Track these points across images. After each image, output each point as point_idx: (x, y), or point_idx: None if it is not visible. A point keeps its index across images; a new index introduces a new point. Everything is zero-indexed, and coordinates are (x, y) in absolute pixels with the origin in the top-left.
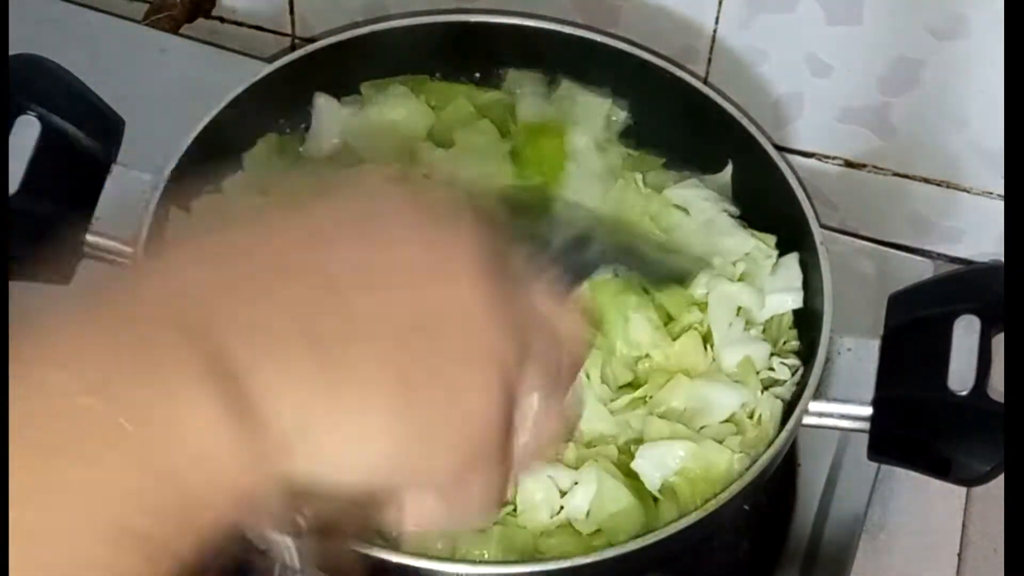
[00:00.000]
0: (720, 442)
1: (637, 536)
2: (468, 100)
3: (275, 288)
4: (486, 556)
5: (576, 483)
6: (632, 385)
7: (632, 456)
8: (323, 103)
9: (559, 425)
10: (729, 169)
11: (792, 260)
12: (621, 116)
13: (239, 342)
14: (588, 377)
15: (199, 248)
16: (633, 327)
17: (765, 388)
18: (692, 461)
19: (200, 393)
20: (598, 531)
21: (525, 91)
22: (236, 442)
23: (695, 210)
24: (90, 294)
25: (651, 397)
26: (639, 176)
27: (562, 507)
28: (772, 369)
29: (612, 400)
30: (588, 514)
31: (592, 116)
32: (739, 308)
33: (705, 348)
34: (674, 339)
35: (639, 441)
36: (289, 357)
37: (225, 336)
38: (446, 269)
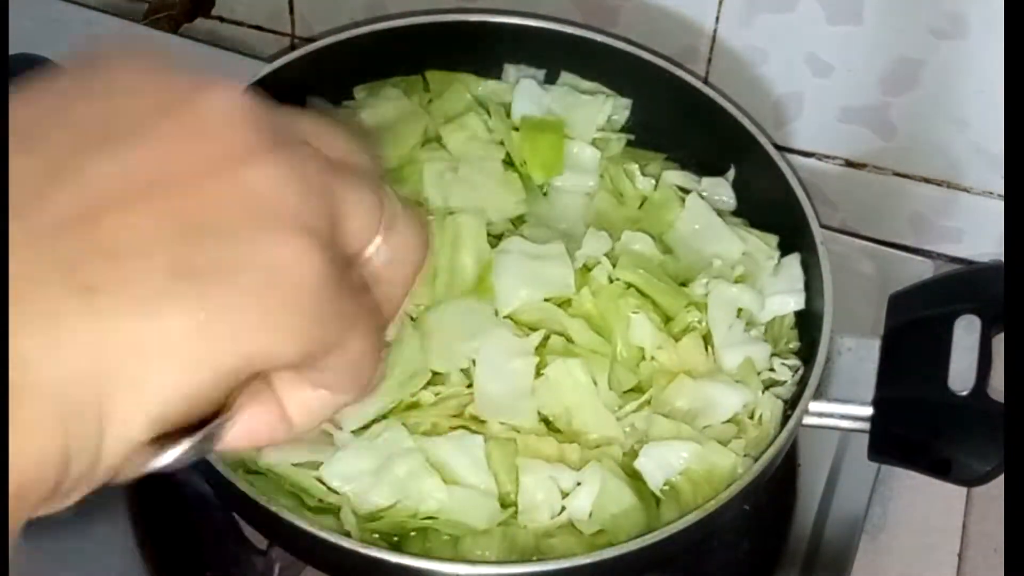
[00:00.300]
0: (723, 443)
1: (638, 536)
2: (465, 88)
3: (16, 226)
4: (487, 556)
5: (579, 483)
6: (636, 389)
7: (635, 455)
8: (317, 107)
9: (417, 254)
10: (731, 173)
11: (794, 261)
12: (621, 114)
13: None
14: (596, 383)
15: None
16: (635, 328)
17: (766, 388)
18: (696, 462)
19: None
20: (600, 531)
21: (523, 85)
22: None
23: (694, 209)
24: None
25: (654, 398)
26: (636, 167)
27: (563, 507)
28: (773, 369)
29: (619, 407)
30: (591, 514)
31: (591, 112)
32: (740, 309)
33: (706, 349)
34: (675, 340)
35: (643, 441)
36: (49, 303)
37: None
38: (215, 155)
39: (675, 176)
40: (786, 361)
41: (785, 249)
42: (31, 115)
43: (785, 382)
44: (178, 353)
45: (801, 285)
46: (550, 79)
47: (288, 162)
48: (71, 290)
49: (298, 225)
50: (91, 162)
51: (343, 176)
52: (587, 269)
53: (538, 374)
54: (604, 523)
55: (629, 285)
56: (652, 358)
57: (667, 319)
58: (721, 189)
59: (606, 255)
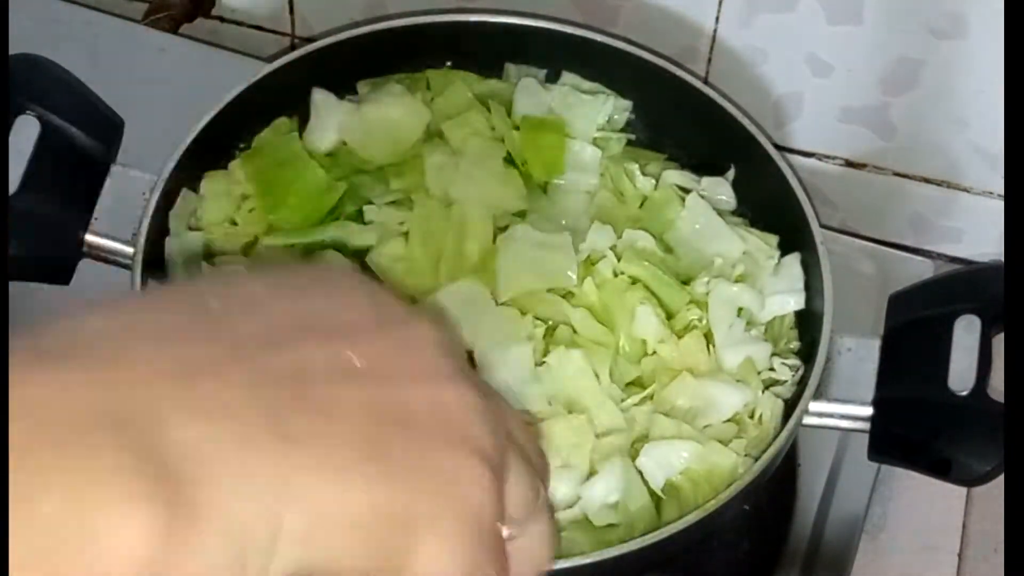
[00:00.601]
0: (724, 443)
1: (637, 536)
2: (467, 87)
3: (230, 372)
4: None
5: (594, 473)
6: (637, 383)
7: (636, 454)
8: (321, 99)
9: (542, 561)
10: (731, 172)
11: (794, 260)
12: (622, 114)
13: (179, 423)
14: (598, 376)
15: (145, 317)
16: (639, 322)
17: (766, 388)
18: (696, 462)
19: (130, 497)
20: (611, 526)
21: (524, 84)
22: (176, 548)
23: (695, 209)
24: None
25: (656, 395)
26: (636, 167)
27: (578, 498)
28: (773, 369)
29: (622, 400)
30: (614, 507)
31: (591, 111)
32: (740, 309)
33: (707, 348)
34: (677, 337)
35: (644, 439)
36: (246, 438)
37: (160, 417)
38: (419, 367)
39: (675, 176)
40: (786, 361)
41: (785, 249)
42: (262, 290)
43: (785, 382)
44: (350, 527)
45: (801, 285)
46: (551, 79)
47: (480, 396)
48: (273, 435)
49: (479, 451)
50: (309, 342)
51: (517, 451)
52: (591, 263)
53: (540, 363)
54: (620, 519)
55: (634, 280)
56: (654, 352)
57: (669, 316)
58: (721, 189)
59: (610, 249)
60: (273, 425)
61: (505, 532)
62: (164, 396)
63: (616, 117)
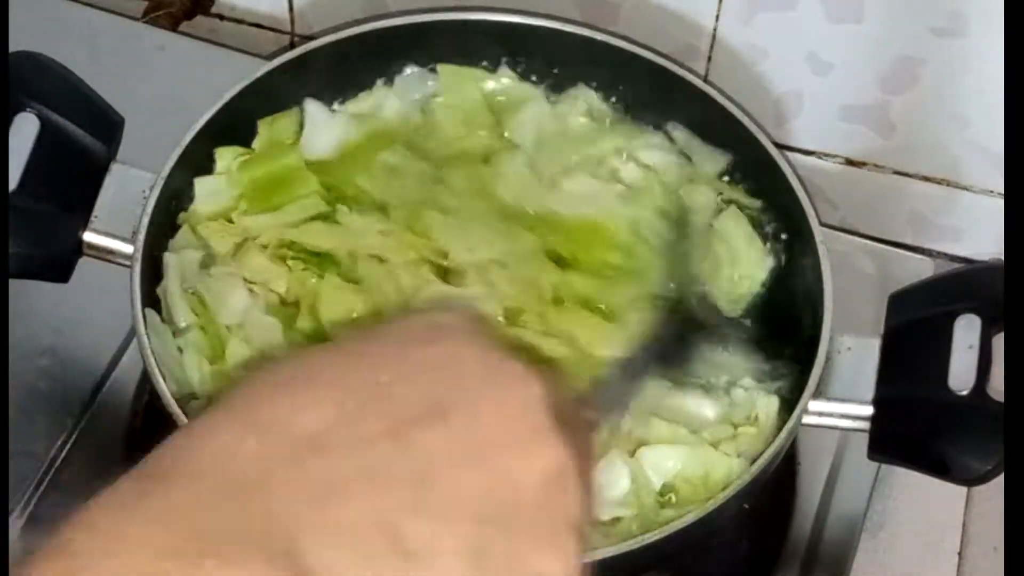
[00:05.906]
0: (723, 443)
1: (637, 535)
2: (476, 85)
3: (354, 490)
4: None
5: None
6: None
7: (634, 457)
8: (313, 110)
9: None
10: (726, 160)
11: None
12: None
13: (314, 549)
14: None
15: (260, 419)
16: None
17: (764, 388)
18: (692, 465)
19: None
20: (608, 523)
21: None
22: None
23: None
24: (143, 473)
25: (654, 396)
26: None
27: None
28: (771, 367)
29: None
30: (613, 504)
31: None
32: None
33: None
34: None
35: (641, 442)
36: (370, 556)
37: (300, 542)
38: (525, 440)
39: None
40: (785, 359)
41: (786, 248)
42: (385, 377)
43: (785, 381)
44: None
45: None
46: (556, 89)
47: (571, 460)
48: (394, 554)
49: (573, 528)
50: (432, 431)
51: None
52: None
53: None
54: (618, 514)
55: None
56: None
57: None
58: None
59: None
60: (393, 542)
61: None
62: (299, 518)
63: (628, 142)
